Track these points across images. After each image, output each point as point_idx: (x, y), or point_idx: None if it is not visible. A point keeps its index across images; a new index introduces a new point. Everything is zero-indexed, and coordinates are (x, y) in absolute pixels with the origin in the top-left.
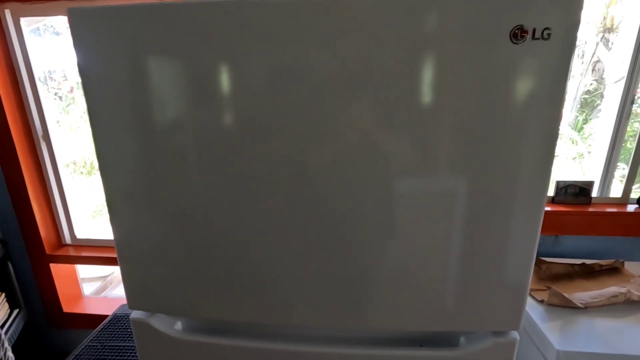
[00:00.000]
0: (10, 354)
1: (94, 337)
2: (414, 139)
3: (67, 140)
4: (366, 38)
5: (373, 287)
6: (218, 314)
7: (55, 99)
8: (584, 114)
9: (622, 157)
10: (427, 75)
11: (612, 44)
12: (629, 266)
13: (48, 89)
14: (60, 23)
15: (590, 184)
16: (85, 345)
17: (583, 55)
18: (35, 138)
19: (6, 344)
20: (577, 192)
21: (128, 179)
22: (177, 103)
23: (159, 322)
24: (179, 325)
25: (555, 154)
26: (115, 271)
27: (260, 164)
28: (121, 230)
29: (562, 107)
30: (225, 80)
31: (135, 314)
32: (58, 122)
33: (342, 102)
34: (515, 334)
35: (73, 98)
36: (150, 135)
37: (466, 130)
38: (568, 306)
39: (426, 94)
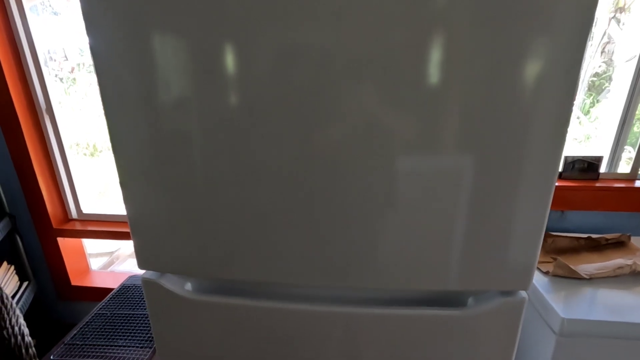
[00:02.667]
0: (22, 321)
1: (104, 305)
2: (426, 117)
3: (70, 121)
4: (374, 16)
5: (380, 246)
6: (227, 274)
7: (56, 80)
8: (591, 97)
9: (629, 140)
10: (438, 52)
11: (623, 24)
12: (635, 241)
13: (49, 70)
14: (60, 2)
15: (599, 159)
16: (95, 314)
17: (592, 37)
18: (39, 112)
19: (17, 312)
20: (585, 167)
21: (139, 155)
22: (188, 83)
23: (169, 283)
24: (188, 285)
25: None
26: (121, 247)
27: (268, 139)
28: (130, 192)
29: (578, 81)
30: (234, 60)
31: (146, 274)
32: (60, 103)
33: (350, 81)
34: (523, 294)
35: (74, 79)
36: (160, 114)
37: (480, 107)
38: (573, 277)
39: (438, 72)
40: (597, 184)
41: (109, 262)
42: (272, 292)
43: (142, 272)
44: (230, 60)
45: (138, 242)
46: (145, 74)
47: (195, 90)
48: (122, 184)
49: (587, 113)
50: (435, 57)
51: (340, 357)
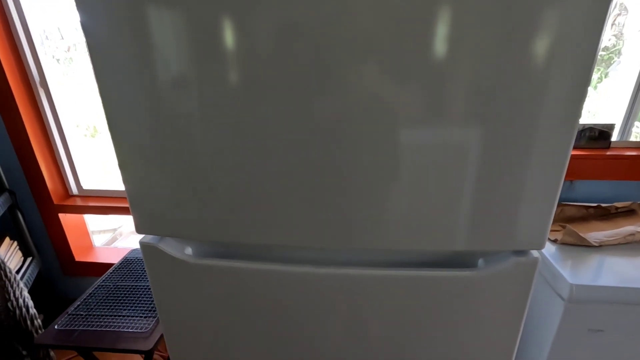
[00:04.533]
0: (26, 293)
1: (106, 277)
2: (438, 84)
3: (70, 102)
4: None
5: (385, 205)
6: (227, 236)
7: (53, 60)
8: (599, 72)
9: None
10: (450, 19)
11: None
12: None
13: (45, 50)
14: None
15: (611, 126)
16: (98, 285)
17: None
18: (33, 86)
19: (22, 285)
20: (596, 135)
21: (135, 120)
22: (183, 59)
23: (169, 247)
24: (189, 250)
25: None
26: (124, 224)
27: (269, 107)
28: (125, 154)
29: (599, 47)
30: (231, 34)
31: (145, 239)
32: (60, 82)
33: (352, 54)
34: (536, 254)
35: (71, 58)
36: (156, 90)
37: (495, 74)
38: (582, 245)
39: (449, 40)
40: (608, 153)
41: (112, 239)
42: (274, 256)
43: None
44: (230, 36)
45: (135, 205)
46: (139, 47)
47: (194, 62)
48: (116, 145)
49: (594, 88)
50: (446, 26)
51: (346, 320)
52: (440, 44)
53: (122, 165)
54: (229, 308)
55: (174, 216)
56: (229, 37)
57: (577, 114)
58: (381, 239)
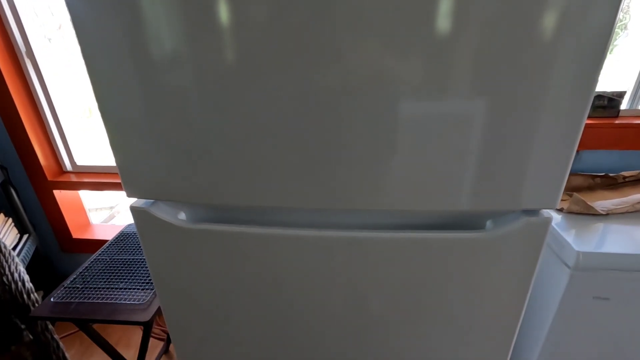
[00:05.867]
0: (21, 268)
1: (103, 251)
2: (448, 52)
3: (67, 88)
4: None
5: (388, 162)
6: (222, 199)
7: (40, 35)
8: None
9: None
10: None
11: None
12: None
13: (35, 28)
14: None
15: (621, 94)
16: (94, 259)
17: None
18: (20, 57)
19: (17, 260)
20: (605, 104)
21: (124, 93)
22: (173, 34)
23: (161, 212)
24: (182, 215)
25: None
26: (120, 202)
27: (264, 75)
28: (111, 113)
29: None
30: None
31: (136, 203)
32: (56, 74)
33: (354, 24)
34: (548, 213)
35: (62, 37)
36: (146, 51)
37: (506, 46)
38: (589, 213)
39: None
40: (617, 122)
41: (109, 217)
42: (272, 220)
43: None
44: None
45: (123, 167)
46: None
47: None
48: (99, 101)
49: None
50: None
51: (348, 285)
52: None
53: (107, 124)
54: (225, 274)
55: (165, 178)
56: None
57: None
58: (384, 199)
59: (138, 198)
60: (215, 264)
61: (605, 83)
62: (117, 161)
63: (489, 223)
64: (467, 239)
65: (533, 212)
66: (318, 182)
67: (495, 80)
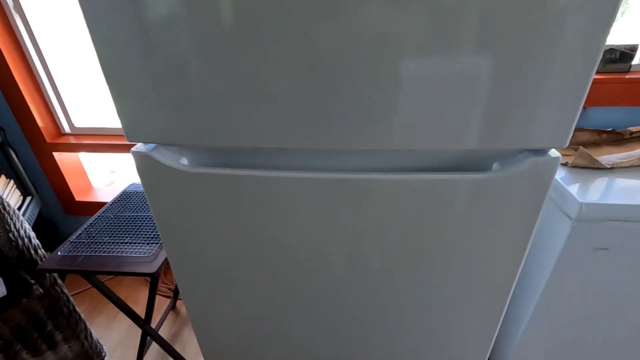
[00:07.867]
0: (27, 225)
1: (106, 209)
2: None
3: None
4: None
5: (392, 99)
6: (225, 140)
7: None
8: None
9: None
10: None
11: None
12: None
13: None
14: None
15: (634, 47)
16: (98, 216)
17: None
18: (8, 12)
19: (21, 218)
20: (616, 58)
21: (122, 33)
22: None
23: (163, 156)
24: (184, 160)
25: None
26: (121, 166)
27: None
28: (108, 51)
29: None
30: None
31: (137, 148)
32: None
33: None
34: (556, 153)
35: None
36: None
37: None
38: (594, 167)
39: None
40: (627, 77)
41: (110, 182)
42: (275, 164)
43: None
44: None
45: (122, 109)
46: None
47: None
48: (95, 42)
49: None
50: None
51: (354, 226)
52: None
53: (104, 65)
54: (227, 219)
55: (165, 120)
56: None
57: None
58: (389, 138)
59: (139, 142)
60: (218, 210)
61: (618, 37)
62: (116, 106)
63: (495, 165)
64: (473, 179)
65: (541, 152)
66: (321, 122)
67: (504, 18)
